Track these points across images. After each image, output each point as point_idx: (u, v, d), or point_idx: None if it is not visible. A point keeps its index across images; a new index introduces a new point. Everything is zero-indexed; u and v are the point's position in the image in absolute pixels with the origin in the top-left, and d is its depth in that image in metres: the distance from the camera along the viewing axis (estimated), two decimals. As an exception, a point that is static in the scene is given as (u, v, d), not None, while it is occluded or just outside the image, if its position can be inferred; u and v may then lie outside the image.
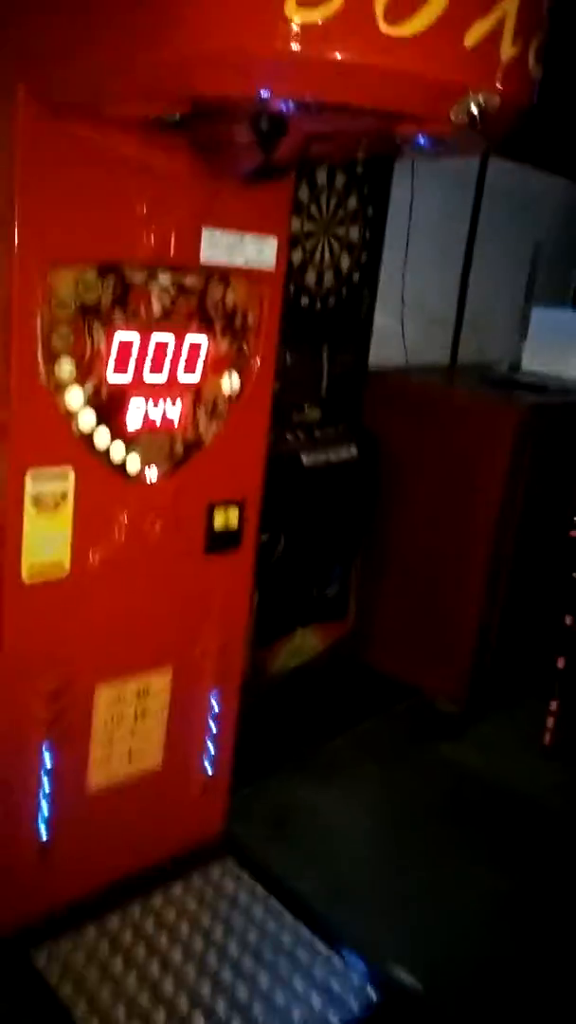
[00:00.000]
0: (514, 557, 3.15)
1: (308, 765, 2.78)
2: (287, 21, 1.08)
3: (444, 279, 3.72)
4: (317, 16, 1.08)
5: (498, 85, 1.21)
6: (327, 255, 2.66)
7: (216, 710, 2.19)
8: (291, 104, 1.26)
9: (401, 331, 3.41)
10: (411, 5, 1.09)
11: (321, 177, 2.54)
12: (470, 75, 1.17)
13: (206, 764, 2.21)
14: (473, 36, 1.13)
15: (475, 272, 3.84)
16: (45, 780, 1.87)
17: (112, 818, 2.03)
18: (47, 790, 1.88)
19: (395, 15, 1.08)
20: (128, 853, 2.10)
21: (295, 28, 1.09)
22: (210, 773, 2.22)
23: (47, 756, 1.86)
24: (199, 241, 1.79)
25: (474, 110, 1.21)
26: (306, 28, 1.09)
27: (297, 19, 1.08)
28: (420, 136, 1.41)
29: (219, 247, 1.82)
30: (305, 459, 2.64)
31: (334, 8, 1.08)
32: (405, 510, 3.19)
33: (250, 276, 1.90)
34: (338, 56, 1.10)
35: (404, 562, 3.25)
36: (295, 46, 1.10)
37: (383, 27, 1.09)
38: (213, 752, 2.21)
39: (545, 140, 3.73)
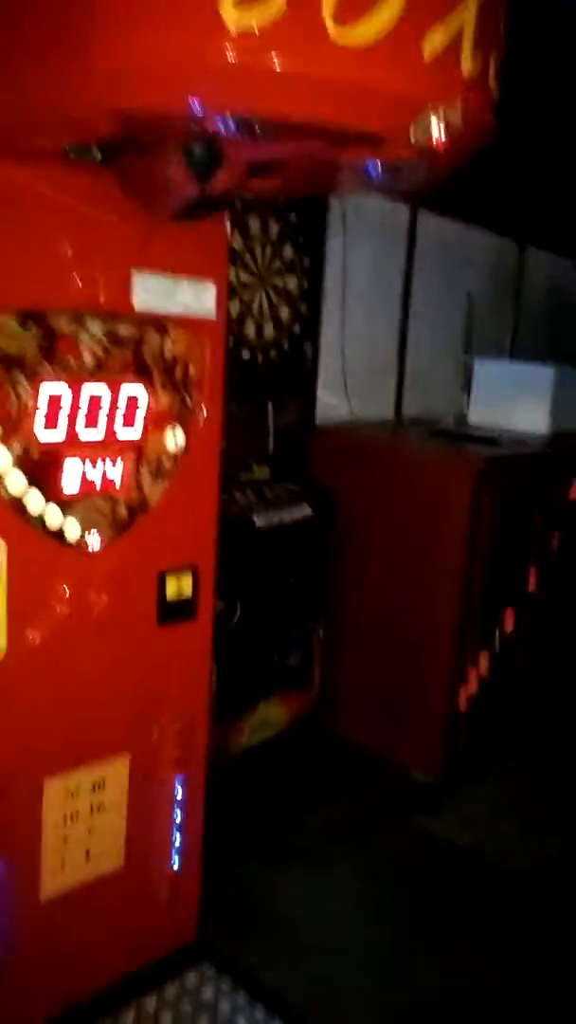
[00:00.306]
0: (480, 613, 3.03)
1: (282, 851, 2.56)
2: (223, 24, 0.98)
3: (383, 331, 3.68)
4: (255, 18, 0.98)
5: (460, 101, 1.12)
6: (266, 306, 2.58)
7: (180, 798, 1.99)
8: (229, 124, 1.16)
9: (344, 385, 3.33)
10: (361, 7, 1.00)
11: (254, 226, 2.46)
12: (431, 88, 1.08)
13: (173, 859, 2.00)
14: (431, 46, 1.05)
15: (413, 324, 3.81)
16: (-10, 895, 1.65)
17: (72, 929, 1.81)
18: (-7, 906, 1.66)
19: (344, 17, 0.99)
20: (92, 967, 1.88)
21: (232, 32, 0.99)
22: (178, 869, 2.01)
23: (-9, 867, 1.64)
24: (131, 287, 1.67)
25: (435, 129, 1.12)
26: (244, 32, 0.99)
27: (233, 22, 0.98)
28: (370, 163, 1.32)
29: (153, 292, 1.71)
30: (257, 520, 2.50)
31: (275, 9, 0.98)
32: (364, 569, 3.06)
33: (189, 325, 1.79)
34: (279, 64, 1.00)
35: (367, 624, 3.10)
36: (231, 53, 1.00)
37: (332, 32, 0.99)
38: (180, 845, 2.00)
39: (471, 194, 3.77)
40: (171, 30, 1.01)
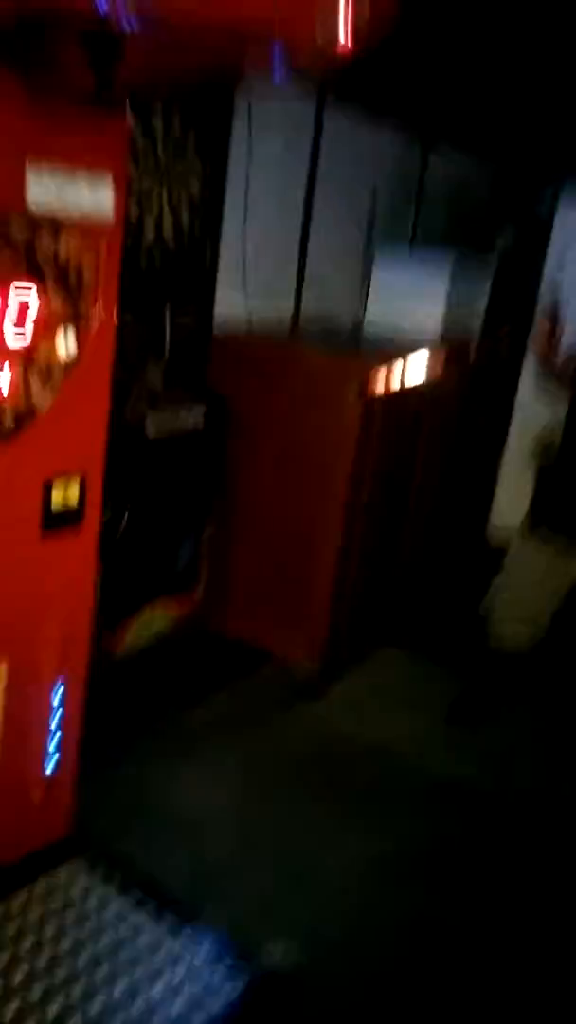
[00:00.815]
0: (366, 514, 3.12)
1: (163, 745, 2.65)
2: None
3: (285, 230, 3.58)
4: None
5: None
6: (166, 207, 2.46)
7: (59, 703, 2.01)
8: (133, 24, 1.08)
9: (243, 286, 3.25)
10: None
11: (157, 123, 2.32)
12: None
13: (48, 763, 2.03)
14: None
15: (315, 223, 3.72)
16: None
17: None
18: None
19: None
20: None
21: None
22: (52, 770, 2.04)
23: None
24: (23, 181, 1.57)
25: (340, 25, 1.07)
26: None
27: None
28: (274, 60, 1.26)
29: (48, 190, 1.60)
30: (149, 427, 2.46)
31: None
32: (256, 474, 3.08)
33: (85, 227, 1.70)
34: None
35: (257, 527, 3.15)
36: None
37: None
38: (55, 749, 2.03)
39: (377, 87, 3.64)
40: None
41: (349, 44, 1.15)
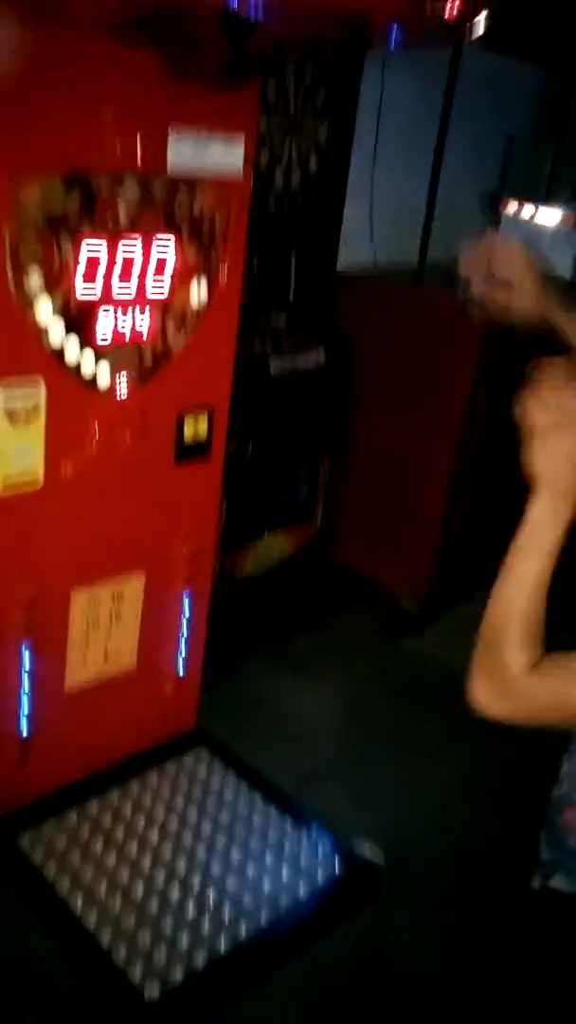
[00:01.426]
0: (478, 456, 3.22)
1: (276, 661, 2.91)
2: None
3: (414, 175, 3.64)
4: None
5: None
6: (294, 154, 2.60)
7: (187, 612, 2.27)
8: (260, 12, 1.24)
9: (370, 230, 3.36)
10: None
11: (289, 75, 2.45)
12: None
13: (179, 663, 2.31)
14: None
15: (447, 167, 3.75)
16: (25, 680, 1.96)
17: (90, 714, 2.14)
18: (27, 689, 1.97)
19: None
20: (106, 746, 2.23)
21: None
22: (182, 672, 2.33)
23: (26, 658, 1.94)
24: (165, 146, 1.76)
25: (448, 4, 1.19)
26: None
27: None
28: (392, 30, 1.39)
29: (185, 152, 1.79)
30: (272, 366, 2.65)
31: None
32: (374, 411, 3.22)
33: (217, 182, 1.87)
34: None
35: (372, 462, 3.30)
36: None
37: None
38: (185, 652, 2.31)
39: (517, 27, 3.59)
40: None
41: (455, 15, 1.27)
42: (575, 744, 1.42)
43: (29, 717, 2.00)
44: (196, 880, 1.97)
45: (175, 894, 1.93)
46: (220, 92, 1.75)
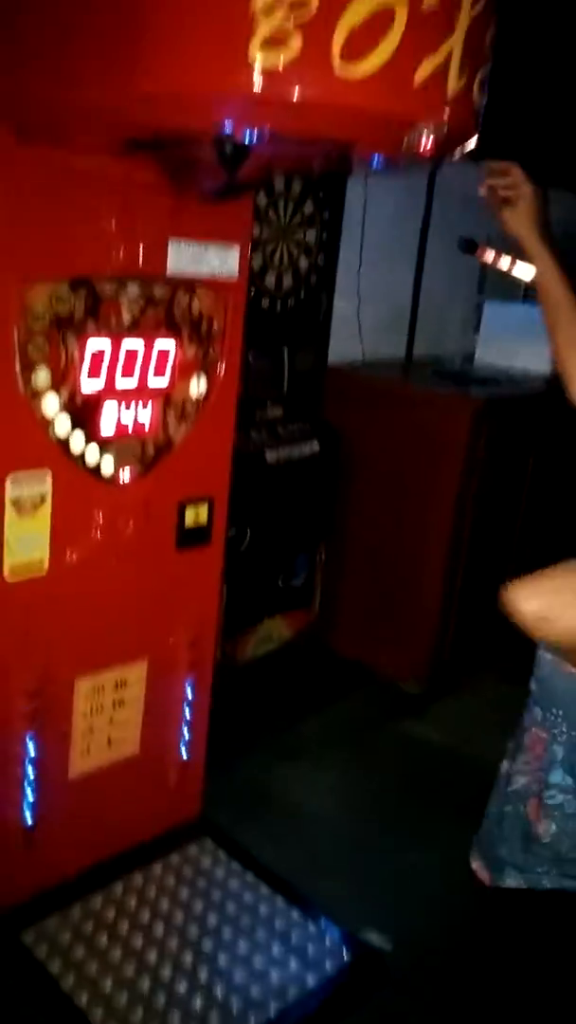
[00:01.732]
0: (471, 542, 3.29)
1: (279, 747, 2.89)
2: (251, 62, 1.18)
3: (398, 277, 3.84)
4: (278, 58, 1.18)
5: (445, 116, 1.32)
6: (286, 258, 2.76)
7: (190, 698, 2.29)
8: (254, 137, 1.36)
9: (358, 328, 3.52)
10: (365, 47, 1.20)
11: (279, 184, 2.63)
12: (419, 110, 1.28)
13: (182, 749, 2.31)
14: (422, 73, 1.24)
15: (428, 269, 3.96)
16: (29, 769, 1.96)
17: (93, 803, 2.13)
18: (31, 778, 1.97)
19: (350, 56, 1.19)
20: (110, 836, 2.21)
21: (258, 69, 1.19)
22: (186, 758, 2.33)
23: (30, 746, 1.95)
24: (166, 252, 1.88)
25: (423, 139, 1.32)
26: (268, 69, 1.19)
27: (260, 61, 1.18)
28: (374, 158, 1.52)
29: (184, 258, 1.92)
30: (269, 456, 2.74)
31: (294, 51, 1.18)
32: (366, 500, 3.31)
33: (214, 284, 2.00)
34: (297, 95, 1.21)
35: (366, 550, 3.37)
36: (258, 85, 1.20)
37: (338, 67, 1.19)
38: (188, 738, 2.31)
39: (492, 139, 3.86)
40: (210, 65, 1.21)
41: (432, 152, 1.40)
42: (529, 717, 1.49)
43: (32, 807, 1.99)
44: (203, 973, 1.93)
45: (182, 987, 1.88)
46: (215, 206, 1.89)
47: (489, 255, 2.50)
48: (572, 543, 4.01)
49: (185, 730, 2.30)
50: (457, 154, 1.49)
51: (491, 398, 3.31)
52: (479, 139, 1.46)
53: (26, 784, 1.97)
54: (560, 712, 1.39)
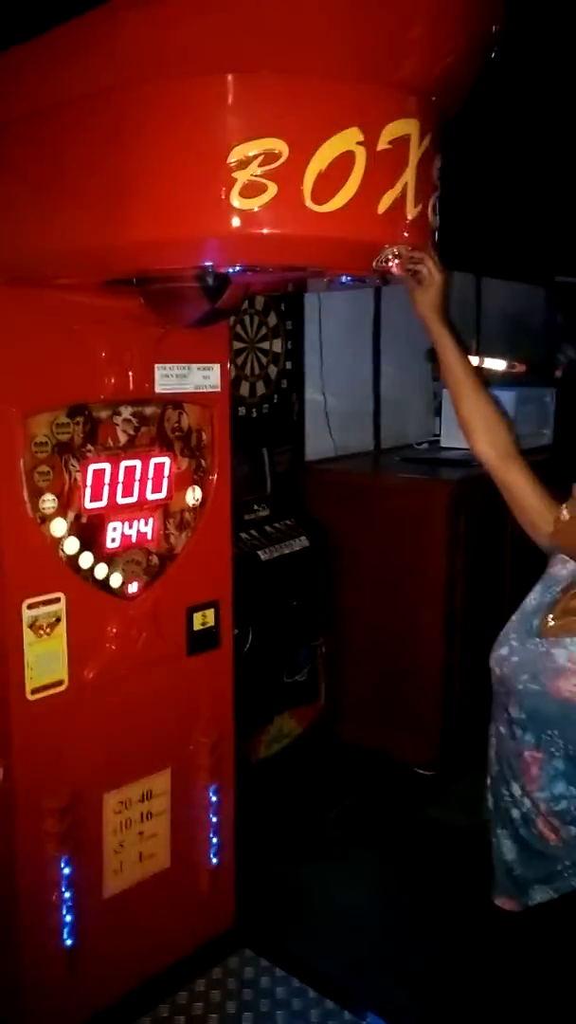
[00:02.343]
0: (464, 618, 3.37)
1: (305, 845, 2.88)
2: (231, 209, 1.33)
3: (358, 374, 4.04)
4: (255, 203, 1.33)
5: (406, 235, 1.48)
6: (256, 367, 2.93)
7: (215, 803, 2.30)
8: (235, 269, 1.51)
9: (327, 425, 3.69)
10: (333, 187, 1.36)
11: (244, 304, 2.82)
12: (385, 234, 1.43)
13: (212, 856, 2.31)
14: (383, 205, 1.40)
15: (385, 363, 4.18)
16: (65, 891, 1.96)
17: (130, 921, 2.11)
18: (68, 900, 1.96)
19: (319, 197, 1.35)
20: (150, 954, 2.18)
21: (238, 213, 1.34)
22: (216, 865, 2.32)
23: (64, 869, 1.95)
24: (153, 375, 2.01)
25: (390, 258, 1.48)
26: (246, 213, 1.34)
27: (239, 206, 1.33)
28: (344, 277, 1.68)
29: (170, 378, 2.05)
30: (262, 555, 2.83)
31: (270, 196, 1.33)
32: (359, 590, 3.39)
33: (200, 399, 2.13)
34: (272, 232, 1.36)
35: (365, 638, 3.43)
36: (237, 227, 1.35)
37: (310, 206, 1.35)
38: (217, 844, 2.31)
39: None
40: (194, 213, 1.36)
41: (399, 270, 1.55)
42: (516, 744, 1.55)
43: (72, 929, 1.98)
44: None
45: None
46: (196, 332, 2.04)
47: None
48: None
49: (213, 837, 2.31)
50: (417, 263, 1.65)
51: (463, 478, 3.46)
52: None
53: (63, 907, 1.96)
54: (555, 732, 1.50)
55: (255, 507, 2.95)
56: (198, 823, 2.27)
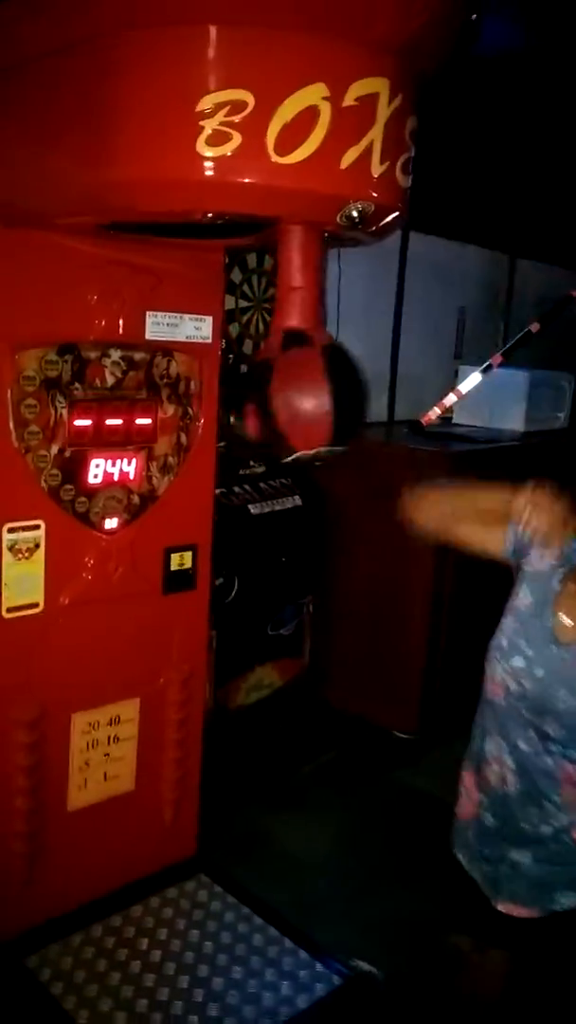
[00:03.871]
0: (453, 591, 3.44)
1: (275, 794, 3.00)
2: (200, 155, 1.41)
3: (376, 343, 4.09)
4: (222, 151, 1.41)
5: (373, 194, 1.54)
6: (262, 326, 3.00)
7: (182, 736, 2.41)
8: (208, 217, 1.59)
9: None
10: (296, 140, 1.43)
11: (252, 261, 2.89)
12: (346, 189, 1.50)
13: (176, 787, 2.42)
14: (347, 160, 1.47)
15: (406, 336, 4.22)
16: (28, 801, 2.08)
17: (92, 837, 2.24)
18: (31, 810, 2.09)
19: (282, 148, 1.42)
20: (109, 870, 2.31)
21: (205, 159, 1.41)
22: (180, 795, 2.44)
23: (29, 778, 2.08)
24: (144, 322, 2.10)
25: (354, 215, 1.54)
26: (212, 159, 1.42)
27: (206, 153, 1.41)
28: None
29: (161, 326, 2.14)
30: (252, 509, 2.92)
31: (235, 144, 1.41)
32: (353, 555, 3.47)
33: (190, 349, 2.21)
34: (239, 180, 1.43)
35: (354, 602, 3.52)
36: (206, 173, 1.43)
37: (273, 157, 1.42)
38: (182, 776, 2.43)
39: (459, 213, 4.17)
40: (165, 157, 1.45)
41: (367, 227, 1.61)
42: (505, 743, 1.57)
43: (33, 839, 2.11)
44: (198, 995, 2.01)
45: (178, 1009, 1.97)
46: (189, 278, 2.12)
47: (433, 414, 2.75)
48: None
49: (179, 767, 2.42)
50: (391, 228, 1.71)
51: (464, 452, 3.51)
52: (454, 215, 1.67)
53: (26, 817, 2.09)
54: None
55: (251, 463, 3.03)
56: (165, 752, 2.39)
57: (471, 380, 2.80)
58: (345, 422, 1.62)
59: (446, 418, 4.26)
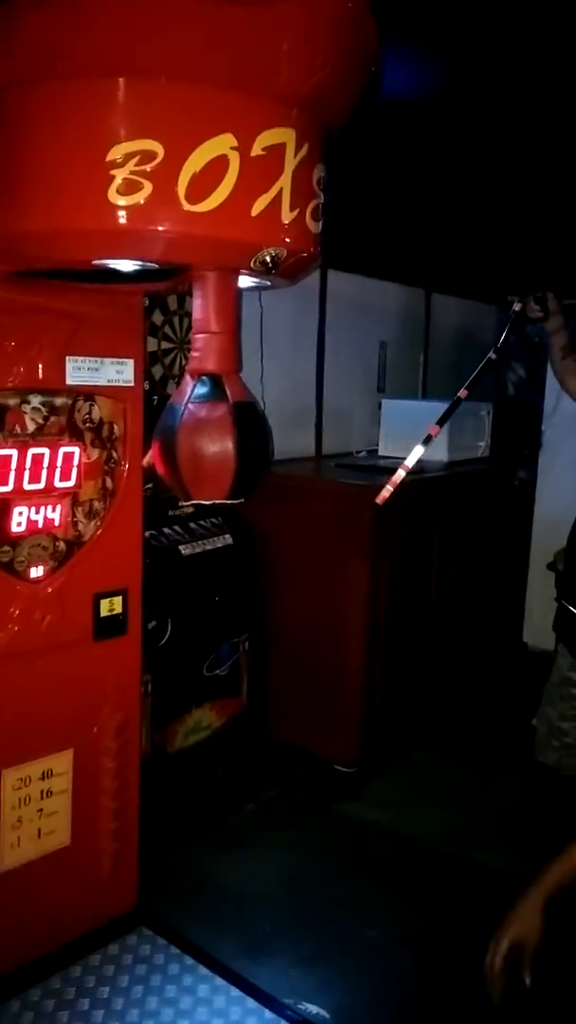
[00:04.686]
0: (387, 620, 3.47)
1: (217, 835, 2.95)
2: (112, 204, 1.42)
3: (301, 378, 4.14)
4: (134, 200, 1.42)
5: (285, 240, 1.57)
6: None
7: (118, 786, 2.36)
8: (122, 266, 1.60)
9: (266, 429, 3.77)
10: (207, 188, 1.45)
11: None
12: (258, 236, 1.53)
13: (114, 837, 2.37)
14: (257, 209, 1.50)
15: (329, 370, 4.28)
16: (-41, 864, 2.01)
17: (27, 896, 2.17)
18: (-38, 874, 2.02)
19: (193, 197, 1.44)
20: (47, 929, 2.24)
21: (117, 209, 1.43)
22: (118, 847, 2.38)
23: (-40, 841, 2.01)
24: (64, 367, 2.09)
25: (267, 260, 1.57)
26: (124, 208, 1.43)
27: (118, 203, 1.42)
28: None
29: (82, 371, 2.13)
30: (183, 550, 2.91)
31: (146, 193, 1.42)
32: (286, 589, 3.48)
33: (113, 393, 2.21)
34: (150, 227, 1.45)
35: (290, 637, 3.52)
36: (118, 222, 1.44)
37: (185, 205, 1.44)
38: (119, 825, 2.37)
39: (376, 251, 4.27)
40: (77, 207, 1.45)
41: (282, 271, 1.64)
42: None
43: (-35, 903, 2.03)
44: (143, 1054, 1.96)
45: (122, 1071, 1.91)
46: (109, 323, 2.12)
47: (387, 492, 2.86)
48: (480, 611, 4.24)
49: (116, 819, 2.37)
50: (304, 271, 1.74)
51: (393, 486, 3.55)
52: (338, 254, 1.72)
53: (-43, 880, 2.02)
54: None
55: (180, 504, 3.02)
56: (101, 803, 2.33)
57: (415, 453, 2.92)
58: (247, 479, 1.68)
59: (371, 450, 4.33)
